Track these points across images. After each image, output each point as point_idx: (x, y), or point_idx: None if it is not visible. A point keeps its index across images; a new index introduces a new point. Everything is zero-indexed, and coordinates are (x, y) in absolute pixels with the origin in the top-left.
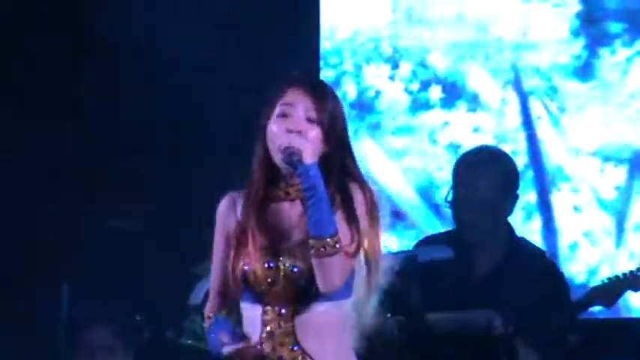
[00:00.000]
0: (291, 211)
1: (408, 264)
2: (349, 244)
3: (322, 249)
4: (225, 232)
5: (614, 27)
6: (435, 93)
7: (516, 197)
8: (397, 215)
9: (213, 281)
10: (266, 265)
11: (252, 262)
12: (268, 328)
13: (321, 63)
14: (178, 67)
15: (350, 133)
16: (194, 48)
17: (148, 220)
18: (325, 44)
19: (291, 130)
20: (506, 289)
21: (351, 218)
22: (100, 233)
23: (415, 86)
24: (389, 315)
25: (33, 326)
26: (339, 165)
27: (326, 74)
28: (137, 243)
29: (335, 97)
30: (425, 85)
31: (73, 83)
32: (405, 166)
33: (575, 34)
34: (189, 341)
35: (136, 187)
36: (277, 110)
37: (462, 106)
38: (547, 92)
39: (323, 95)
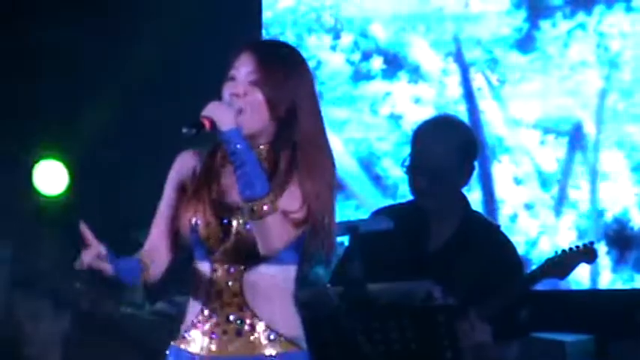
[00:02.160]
0: None
1: (348, 233)
2: (297, 210)
3: (253, 211)
4: (178, 184)
5: None
6: (377, 64)
7: (473, 168)
8: (338, 186)
9: (151, 231)
10: (220, 221)
11: (206, 216)
12: (217, 286)
13: (263, 32)
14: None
15: (316, 100)
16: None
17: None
18: (267, 14)
19: (233, 94)
20: (460, 261)
21: (304, 186)
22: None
23: (357, 57)
24: (328, 285)
25: None
26: (298, 131)
27: None
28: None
29: (288, 61)
30: (366, 56)
31: None
32: (347, 137)
33: (517, 6)
34: (129, 310)
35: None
36: (229, 73)
37: (403, 77)
38: (488, 64)
39: (269, 58)
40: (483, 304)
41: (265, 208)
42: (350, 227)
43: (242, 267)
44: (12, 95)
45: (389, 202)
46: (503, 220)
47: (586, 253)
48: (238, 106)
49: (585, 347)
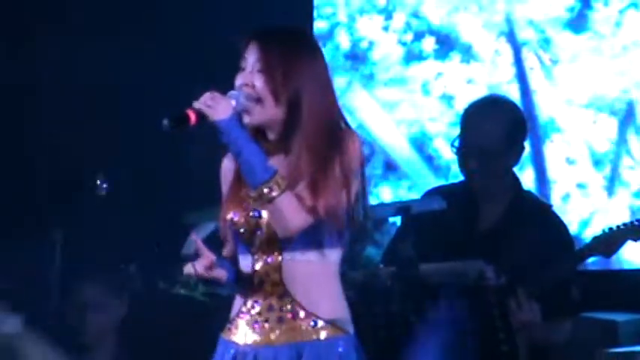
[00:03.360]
0: (275, 162)
1: (400, 214)
2: (306, 197)
3: (261, 197)
4: (226, 185)
5: None
6: (429, 44)
7: (522, 148)
8: (390, 166)
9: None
10: (251, 214)
11: (239, 211)
12: (258, 278)
13: (315, 14)
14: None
15: (330, 84)
16: None
17: (140, 171)
18: None
19: (243, 84)
20: (512, 241)
21: (310, 172)
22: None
23: (409, 37)
24: (381, 265)
25: (28, 281)
26: (310, 118)
27: (319, 25)
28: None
29: (289, 47)
30: (418, 37)
31: None
32: (399, 118)
33: None
34: (182, 291)
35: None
36: (240, 64)
37: (455, 57)
38: (540, 44)
39: (270, 46)
40: (531, 283)
41: (271, 191)
42: (402, 208)
43: (279, 256)
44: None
45: (441, 182)
46: (555, 200)
47: (632, 231)
48: (247, 97)
49: (638, 326)
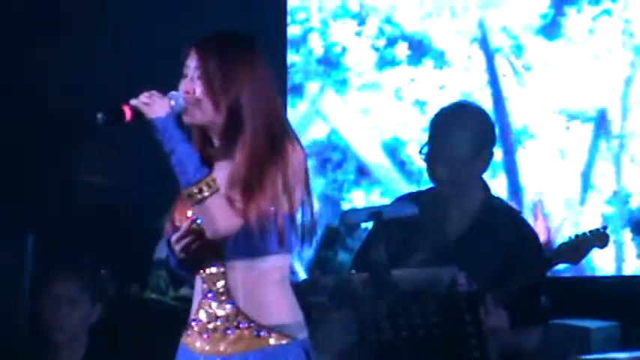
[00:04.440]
0: (218, 171)
1: (372, 219)
2: (238, 200)
3: (191, 197)
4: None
5: None
6: (402, 50)
7: (491, 154)
8: (362, 172)
9: None
10: (194, 224)
11: (183, 219)
12: (205, 286)
13: (288, 19)
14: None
15: (272, 91)
16: None
17: (116, 174)
18: (292, 0)
19: (184, 91)
20: (480, 247)
21: (246, 176)
22: (67, 186)
23: (382, 43)
24: (353, 271)
25: None
26: (250, 124)
27: (293, 30)
28: (104, 197)
29: (228, 53)
30: (391, 42)
31: None
32: (371, 123)
33: None
34: (154, 295)
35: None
36: (183, 71)
37: (428, 63)
38: (513, 50)
39: (209, 52)
40: (500, 289)
41: (201, 191)
42: (374, 213)
43: (222, 266)
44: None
45: (414, 188)
46: (527, 207)
47: (598, 238)
48: (186, 102)
49: (610, 334)
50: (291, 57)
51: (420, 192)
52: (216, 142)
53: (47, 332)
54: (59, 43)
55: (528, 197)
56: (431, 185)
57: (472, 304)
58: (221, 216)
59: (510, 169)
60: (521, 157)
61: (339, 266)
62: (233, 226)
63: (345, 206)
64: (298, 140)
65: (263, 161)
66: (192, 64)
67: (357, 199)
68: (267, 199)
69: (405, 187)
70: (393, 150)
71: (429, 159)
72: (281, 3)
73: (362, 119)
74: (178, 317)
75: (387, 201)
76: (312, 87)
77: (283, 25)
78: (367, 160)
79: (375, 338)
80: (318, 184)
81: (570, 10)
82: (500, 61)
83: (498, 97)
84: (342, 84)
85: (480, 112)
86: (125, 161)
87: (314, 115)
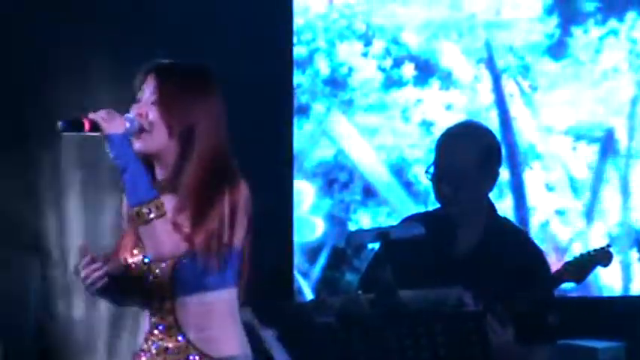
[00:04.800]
0: (164, 201)
1: (379, 240)
2: (193, 226)
3: (139, 216)
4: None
5: (588, 6)
6: (408, 70)
7: (497, 174)
8: (369, 192)
9: None
10: (144, 260)
11: (129, 254)
12: (154, 320)
13: (294, 39)
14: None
15: (224, 124)
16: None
17: None
18: (298, 21)
19: (137, 114)
20: (487, 267)
21: (206, 207)
22: None
23: (388, 63)
24: (359, 292)
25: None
26: (201, 154)
27: (299, 51)
28: None
29: (186, 83)
30: (398, 63)
31: None
32: (378, 144)
33: (548, 12)
34: None
35: None
36: (137, 95)
37: (434, 83)
38: (520, 70)
39: (166, 80)
40: (507, 308)
41: (150, 212)
42: (381, 234)
43: (171, 300)
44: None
45: (420, 208)
46: (534, 227)
47: (602, 257)
48: (140, 125)
49: (617, 354)
50: (298, 77)
51: (426, 212)
52: (159, 174)
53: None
54: None
55: (535, 217)
56: (438, 206)
57: (479, 324)
58: (166, 238)
59: (517, 189)
60: (528, 177)
61: (346, 286)
62: (176, 250)
63: (352, 227)
64: (241, 178)
65: (210, 192)
66: (148, 89)
67: (364, 219)
68: (214, 229)
69: (412, 208)
70: (399, 170)
71: (435, 179)
72: (287, 23)
73: (369, 140)
74: None
75: (393, 221)
76: (318, 107)
77: (290, 46)
78: (374, 181)
79: (382, 358)
80: (324, 204)
81: (577, 31)
82: (507, 81)
83: (505, 117)
84: (348, 104)
85: (485, 131)
86: None
87: (320, 135)
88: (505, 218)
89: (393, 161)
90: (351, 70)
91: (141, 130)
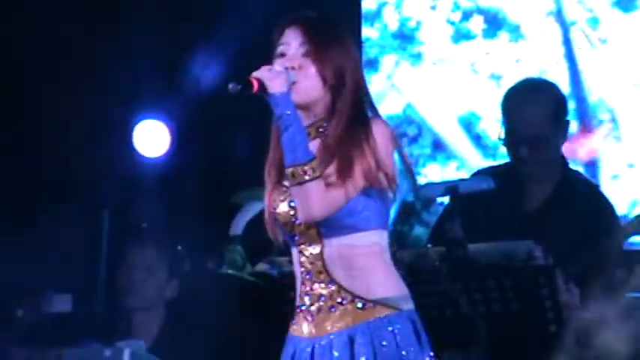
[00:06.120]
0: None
1: (449, 194)
2: (331, 174)
3: (294, 176)
4: (270, 180)
5: None
6: (477, 23)
7: (567, 123)
8: (438, 146)
9: None
10: (291, 205)
11: (278, 203)
12: (303, 268)
13: None
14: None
15: (360, 68)
16: None
17: (189, 152)
18: None
19: (289, 67)
20: (557, 221)
21: (356, 151)
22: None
23: (457, 17)
24: (429, 245)
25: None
26: (348, 99)
27: (367, 5)
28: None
29: (334, 32)
30: (466, 16)
31: None
32: (447, 97)
33: None
34: (230, 271)
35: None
36: (277, 50)
37: (503, 36)
38: (589, 23)
39: (316, 30)
40: (576, 263)
41: (306, 174)
42: (450, 187)
43: (319, 245)
44: (108, 53)
45: (489, 162)
46: (605, 180)
47: None
48: (293, 79)
49: None
50: (366, 31)
51: (496, 166)
52: (305, 121)
53: (122, 297)
54: None
55: (606, 171)
56: (507, 159)
57: (549, 278)
58: (318, 201)
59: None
60: (598, 130)
61: (415, 240)
62: (328, 213)
63: (421, 180)
64: (382, 118)
65: (356, 138)
66: (294, 42)
67: (433, 173)
68: (363, 176)
69: (481, 161)
70: (468, 124)
71: (509, 143)
72: None
73: (437, 93)
74: (256, 291)
75: (462, 175)
76: (387, 61)
77: (358, 1)
78: (443, 134)
79: (452, 313)
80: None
81: None
82: (575, 34)
83: (574, 71)
84: (417, 58)
85: (550, 86)
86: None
87: (389, 89)
88: (577, 172)
89: (462, 115)
90: (419, 23)
91: (297, 82)
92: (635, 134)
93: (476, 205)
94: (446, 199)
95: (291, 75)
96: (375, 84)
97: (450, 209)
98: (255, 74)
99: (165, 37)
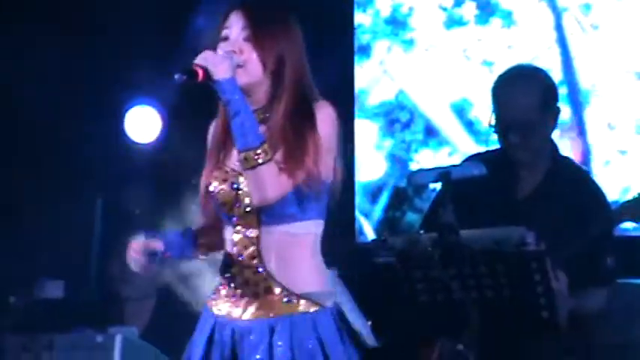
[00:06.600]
0: None
1: (440, 180)
2: (281, 161)
3: (247, 160)
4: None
5: None
6: (469, 9)
7: (558, 112)
8: (430, 132)
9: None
10: (232, 187)
11: (219, 182)
12: (236, 249)
13: None
14: None
15: (303, 55)
16: None
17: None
18: None
19: (230, 52)
20: (549, 207)
21: (300, 139)
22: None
23: (449, 3)
24: (422, 232)
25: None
26: (289, 86)
27: None
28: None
29: (278, 18)
30: (459, 2)
31: None
32: (439, 83)
33: None
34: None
35: None
36: (221, 34)
37: (495, 22)
38: (581, 9)
39: (258, 15)
40: (564, 249)
41: (258, 157)
42: (442, 173)
43: (257, 229)
44: (100, 40)
45: (482, 148)
46: (596, 166)
47: None
48: (238, 62)
49: None
50: (359, 17)
51: (488, 152)
52: (251, 106)
53: (115, 286)
54: None
55: (597, 157)
56: (499, 145)
57: (541, 263)
58: (272, 184)
59: (578, 128)
60: (589, 116)
61: (407, 226)
62: (281, 192)
63: (413, 166)
64: (328, 102)
65: (299, 125)
66: (236, 26)
67: (425, 158)
68: (310, 164)
69: (474, 147)
70: (460, 110)
71: (499, 130)
72: None
73: (429, 79)
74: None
75: (455, 160)
76: (379, 47)
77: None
78: (435, 120)
79: (444, 298)
80: (386, 144)
81: None
82: (568, 20)
83: (566, 56)
84: (409, 44)
85: (537, 71)
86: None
87: (382, 75)
88: (567, 158)
89: (455, 101)
90: (411, 9)
91: (238, 66)
92: (627, 120)
93: (468, 191)
94: (438, 186)
95: (235, 59)
96: (368, 70)
97: (442, 195)
98: (198, 60)
99: (156, 23)
